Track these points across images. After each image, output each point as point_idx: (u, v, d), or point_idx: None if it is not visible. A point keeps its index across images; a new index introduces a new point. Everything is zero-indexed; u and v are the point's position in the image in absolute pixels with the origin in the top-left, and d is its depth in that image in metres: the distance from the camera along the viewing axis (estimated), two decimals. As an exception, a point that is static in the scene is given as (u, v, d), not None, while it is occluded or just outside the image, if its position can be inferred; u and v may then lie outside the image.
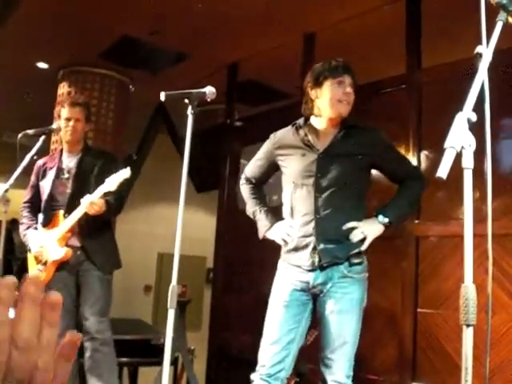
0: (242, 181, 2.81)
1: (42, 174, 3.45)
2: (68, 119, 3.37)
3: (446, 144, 1.25)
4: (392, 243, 3.62)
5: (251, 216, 2.72)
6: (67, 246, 3.25)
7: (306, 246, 2.45)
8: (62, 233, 3.23)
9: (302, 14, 4.39)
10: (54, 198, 3.36)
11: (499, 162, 3.28)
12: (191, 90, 2.29)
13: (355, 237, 2.41)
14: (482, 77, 1.39)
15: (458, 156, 1.28)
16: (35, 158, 3.26)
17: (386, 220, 2.44)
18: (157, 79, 5.69)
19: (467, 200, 1.29)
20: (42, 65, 5.84)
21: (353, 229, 2.43)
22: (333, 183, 2.46)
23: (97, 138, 5.64)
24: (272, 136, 2.68)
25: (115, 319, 3.71)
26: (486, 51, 1.44)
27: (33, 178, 3.50)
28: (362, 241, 2.43)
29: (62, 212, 3.28)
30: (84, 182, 3.30)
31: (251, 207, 2.72)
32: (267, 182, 2.85)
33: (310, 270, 2.44)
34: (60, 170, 3.40)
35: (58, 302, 0.53)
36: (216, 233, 5.33)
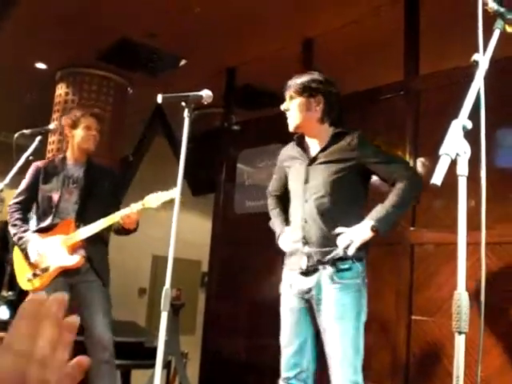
0: (267, 195, 2.98)
1: (44, 178, 3.35)
2: (89, 128, 3.41)
3: (441, 151, 1.25)
4: (387, 250, 3.61)
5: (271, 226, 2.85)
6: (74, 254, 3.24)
7: (297, 250, 2.55)
8: (73, 240, 3.20)
9: (301, 20, 4.40)
10: (58, 205, 3.31)
11: (494, 169, 3.28)
12: (188, 93, 2.29)
13: (341, 242, 2.41)
14: (478, 84, 1.40)
15: (454, 164, 1.28)
16: (31, 158, 3.23)
17: (372, 224, 2.40)
18: (155, 82, 5.68)
19: (461, 208, 1.29)
20: (41, 65, 5.84)
21: (341, 234, 2.45)
22: (318, 190, 2.55)
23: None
24: (280, 153, 2.87)
25: (109, 321, 3.72)
26: (483, 59, 1.44)
27: (30, 179, 3.36)
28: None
29: (72, 220, 3.25)
30: (91, 193, 3.32)
31: (272, 217, 2.87)
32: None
33: (301, 274, 2.52)
34: (66, 178, 3.36)
35: (75, 326, 0.57)
36: (211, 237, 5.32)
